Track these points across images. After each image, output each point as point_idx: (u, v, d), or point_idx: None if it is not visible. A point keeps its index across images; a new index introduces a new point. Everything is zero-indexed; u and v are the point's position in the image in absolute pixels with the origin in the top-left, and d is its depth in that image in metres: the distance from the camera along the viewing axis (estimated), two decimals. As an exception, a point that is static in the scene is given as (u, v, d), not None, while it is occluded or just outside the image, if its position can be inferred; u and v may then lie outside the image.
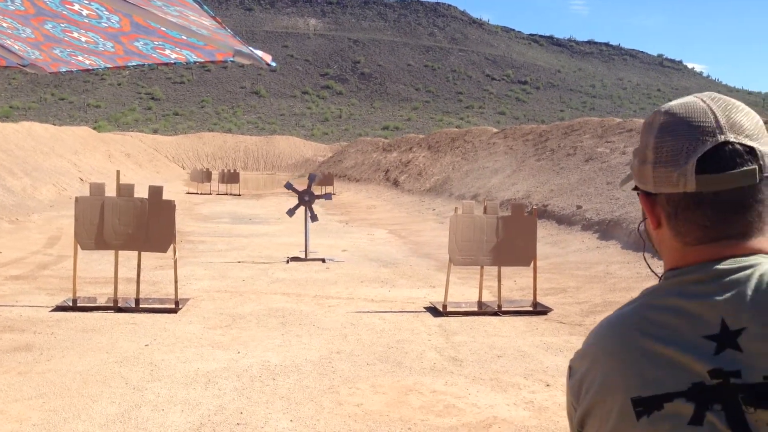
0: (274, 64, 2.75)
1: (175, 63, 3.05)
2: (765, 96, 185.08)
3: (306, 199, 11.20)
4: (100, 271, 9.44)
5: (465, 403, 4.64)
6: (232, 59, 2.67)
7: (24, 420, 4.15)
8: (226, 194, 30.51)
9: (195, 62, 2.98)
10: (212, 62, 2.89)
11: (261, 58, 2.64)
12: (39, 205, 17.53)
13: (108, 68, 3.28)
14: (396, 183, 30.11)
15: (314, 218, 11.38)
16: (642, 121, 12.85)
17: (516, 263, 7.76)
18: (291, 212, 11.45)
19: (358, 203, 25.70)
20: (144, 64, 3.19)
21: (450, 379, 5.17)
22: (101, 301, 7.36)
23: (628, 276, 9.40)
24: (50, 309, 7.11)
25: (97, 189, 7.19)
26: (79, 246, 7.21)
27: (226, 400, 4.57)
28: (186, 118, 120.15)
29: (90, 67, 3.28)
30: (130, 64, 3.17)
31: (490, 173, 22.71)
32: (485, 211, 7.66)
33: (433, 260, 11.50)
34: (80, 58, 3.17)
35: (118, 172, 7.45)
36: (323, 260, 11.06)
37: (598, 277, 9.58)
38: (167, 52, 2.88)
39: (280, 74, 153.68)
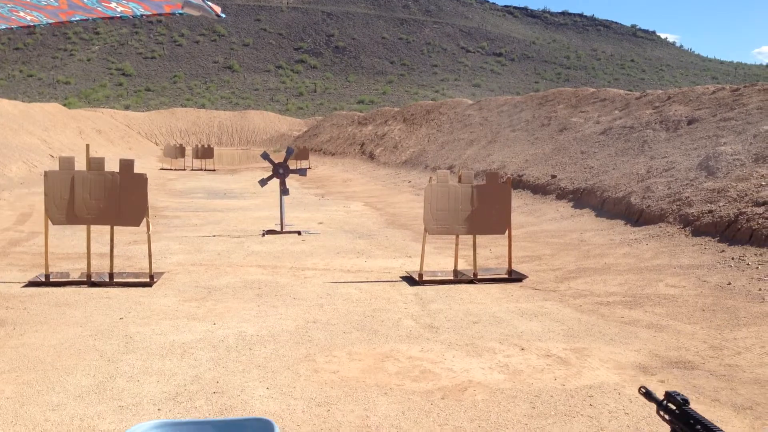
0: (224, 15, 2.71)
1: (121, 17, 2.99)
2: (737, 65, 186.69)
3: (280, 171, 11.14)
4: (73, 246, 9.33)
5: (441, 368, 4.68)
6: (180, 11, 2.62)
7: (-3, 394, 4.11)
8: (201, 170, 30.24)
9: (142, 15, 2.92)
10: (160, 15, 2.83)
11: (211, 8, 2.59)
12: (9, 182, 17.24)
13: (50, 24, 3.19)
14: (372, 156, 30.04)
15: (285, 192, 11.31)
16: (616, 90, 12.94)
17: (491, 231, 7.80)
18: (263, 182, 11.39)
19: (334, 177, 25.62)
20: (88, 19, 3.11)
21: (426, 345, 5.21)
22: (74, 276, 7.28)
23: (602, 243, 9.50)
24: (22, 285, 7.02)
25: (67, 163, 7.08)
26: (50, 221, 7.11)
27: (201, 370, 4.56)
28: (158, 93, 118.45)
29: (31, 23, 3.19)
30: (73, 18, 3.09)
31: (465, 145, 22.73)
32: (460, 181, 7.67)
33: (409, 231, 11.53)
34: (21, 14, 3.08)
35: (87, 145, 7.33)
36: (299, 233, 11.03)
37: (573, 244, 9.67)
38: (113, 5, 2.82)
39: (254, 48, 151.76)
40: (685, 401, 1.23)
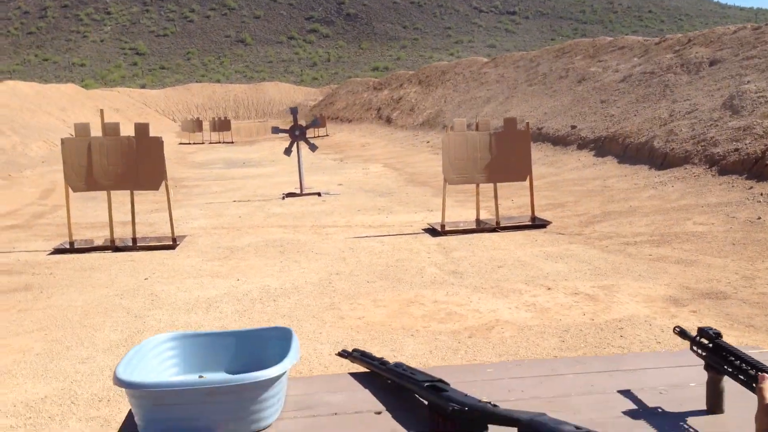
0: None
1: None
2: (757, 11, 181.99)
3: (296, 133, 11.06)
4: (96, 216, 9.38)
5: (467, 310, 4.64)
6: None
7: (27, 350, 4.14)
8: (219, 142, 30.24)
9: None
10: None
11: None
12: (30, 161, 17.36)
13: None
14: (389, 120, 29.83)
15: (313, 148, 11.29)
16: (635, 37, 12.55)
17: (512, 178, 7.69)
18: (288, 151, 11.34)
19: (352, 142, 25.50)
20: None
21: (451, 290, 5.16)
22: (98, 243, 7.32)
23: (626, 187, 9.35)
24: (48, 252, 7.07)
25: (83, 129, 7.07)
26: (70, 189, 7.12)
27: (227, 322, 4.56)
28: (173, 71, 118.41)
29: None
30: None
31: (482, 102, 22.46)
32: (477, 129, 7.55)
33: (429, 187, 11.44)
34: None
35: (101, 110, 7.32)
36: (319, 194, 11.00)
37: (596, 191, 9.53)
38: None
39: (265, 20, 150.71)
40: (717, 334, 1.22)
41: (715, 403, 1.23)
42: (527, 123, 7.95)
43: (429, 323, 4.40)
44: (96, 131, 7.35)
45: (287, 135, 11.25)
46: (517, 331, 4.15)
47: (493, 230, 7.39)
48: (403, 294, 5.10)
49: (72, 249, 7.04)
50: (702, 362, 1.24)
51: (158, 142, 7.15)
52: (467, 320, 4.42)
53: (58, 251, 7.05)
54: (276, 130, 11.73)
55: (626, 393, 1.34)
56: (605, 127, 13.06)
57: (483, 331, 4.20)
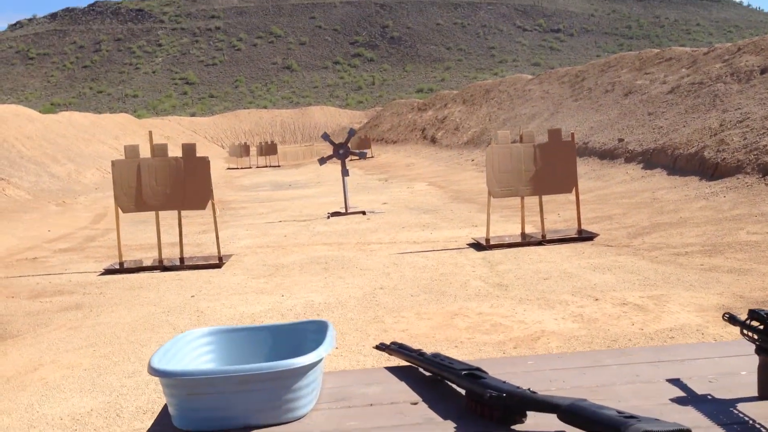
0: None
1: None
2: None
3: (340, 152, 11.14)
4: (146, 238, 9.56)
5: (512, 321, 4.56)
6: None
7: (76, 366, 4.21)
8: (266, 166, 30.67)
9: None
10: None
11: None
12: (84, 188, 17.87)
13: None
14: (433, 140, 29.84)
15: (346, 173, 11.31)
16: (682, 48, 12.25)
17: (557, 191, 7.59)
18: (322, 161, 11.46)
19: (397, 162, 25.57)
20: None
21: (496, 302, 5.09)
22: (147, 263, 7.45)
23: (676, 199, 9.14)
24: (98, 273, 7.23)
25: (132, 151, 7.24)
26: (120, 209, 7.28)
27: (272, 335, 4.57)
28: (221, 99, 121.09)
29: None
30: None
31: (527, 119, 22.30)
32: (521, 140, 7.48)
33: (474, 204, 11.37)
34: None
35: (150, 132, 7.48)
36: (364, 212, 11.02)
37: (645, 203, 9.33)
38: None
39: (310, 47, 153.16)
40: None
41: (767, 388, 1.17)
42: (572, 134, 7.84)
43: (473, 335, 4.33)
44: (146, 155, 7.53)
45: (332, 146, 11.32)
46: (563, 342, 4.06)
47: (539, 243, 7.28)
48: (447, 307, 5.05)
49: (122, 269, 7.18)
50: (753, 349, 1.18)
51: (205, 162, 7.27)
52: (512, 331, 4.34)
53: (109, 272, 7.20)
54: (326, 136, 11.79)
55: (674, 381, 1.28)
56: (653, 140, 12.82)
57: (528, 341, 4.12)
